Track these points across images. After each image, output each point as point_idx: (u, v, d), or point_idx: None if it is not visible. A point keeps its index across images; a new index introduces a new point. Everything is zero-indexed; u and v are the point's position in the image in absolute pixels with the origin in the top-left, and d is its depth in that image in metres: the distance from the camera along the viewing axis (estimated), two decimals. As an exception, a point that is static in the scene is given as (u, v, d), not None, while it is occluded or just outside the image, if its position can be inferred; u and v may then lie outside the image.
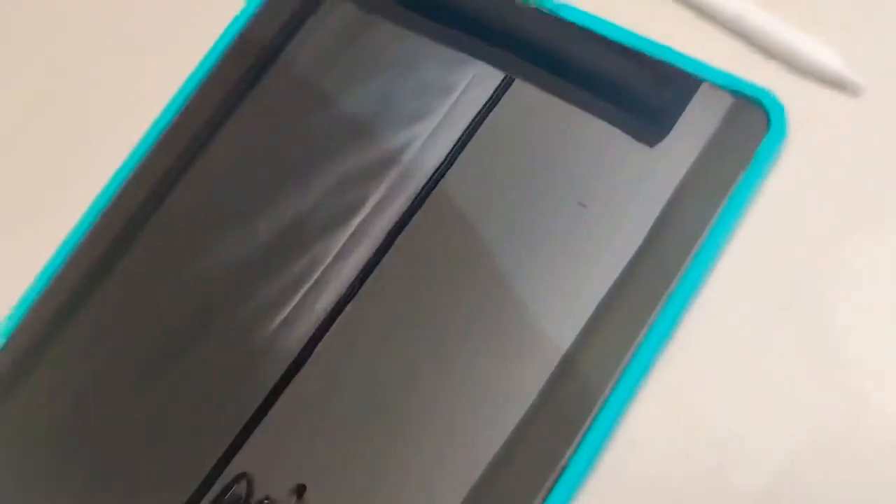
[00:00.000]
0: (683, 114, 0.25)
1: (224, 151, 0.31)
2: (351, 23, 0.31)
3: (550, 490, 0.23)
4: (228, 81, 0.31)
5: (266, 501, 0.26)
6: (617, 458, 0.23)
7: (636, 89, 0.26)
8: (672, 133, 0.25)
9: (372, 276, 0.27)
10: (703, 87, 0.25)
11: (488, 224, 0.26)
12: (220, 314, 0.29)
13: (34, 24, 0.35)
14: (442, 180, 0.27)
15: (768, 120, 0.24)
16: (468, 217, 0.27)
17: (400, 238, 0.27)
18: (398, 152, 0.28)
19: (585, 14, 0.27)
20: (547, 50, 0.28)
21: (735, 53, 0.25)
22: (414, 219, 0.27)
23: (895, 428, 0.22)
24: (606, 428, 0.23)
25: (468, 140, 0.28)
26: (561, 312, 0.24)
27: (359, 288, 0.27)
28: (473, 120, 0.28)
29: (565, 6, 0.27)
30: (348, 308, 0.27)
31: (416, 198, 0.27)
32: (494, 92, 0.28)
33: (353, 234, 0.28)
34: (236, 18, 0.31)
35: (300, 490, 0.26)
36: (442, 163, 0.28)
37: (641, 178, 0.25)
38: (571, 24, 0.27)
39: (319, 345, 0.27)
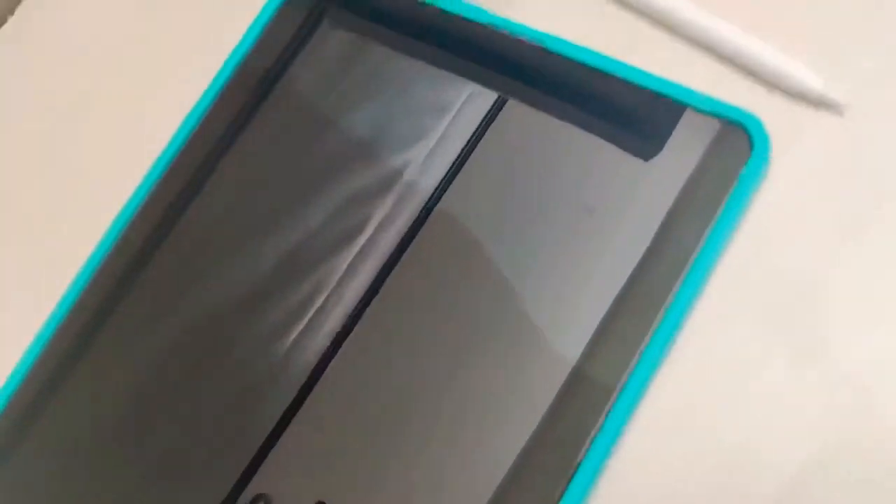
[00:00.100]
0: (676, 128, 0.25)
1: (227, 180, 0.31)
2: (345, 49, 0.31)
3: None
4: (230, 111, 0.32)
5: None
6: (620, 473, 0.23)
7: (626, 107, 0.26)
8: (666, 147, 0.25)
9: (379, 294, 0.28)
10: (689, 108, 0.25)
11: (490, 238, 0.27)
12: (231, 339, 0.29)
13: (33, 59, 0.36)
14: (443, 198, 0.28)
15: (751, 142, 0.24)
16: (470, 232, 0.27)
17: (405, 256, 0.28)
18: (398, 172, 0.29)
19: (566, 43, 0.27)
20: (536, 71, 0.28)
21: (717, 75, 0.26)
22: (418, 236, 0.28)
23: (892, 430, 0.22)
24: (609, 443, 0.23)
25: (466, 157, 0.28)
26: (566, 325, 0.25)
27: (367, 306, 0.28)
28: (471, 138, 0.28)
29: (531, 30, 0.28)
30: (358, 326, 0.27)
31: (418, 216, 0.28)
32: (489, 110, 0.28)
33: (358, 254, 0.28)
34: (235, 50, 0.31)
35: None
36: (442, 181, 0.28)
37: (639, 192, 0.25)
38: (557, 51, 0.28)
39: (330, 364, 0.27)
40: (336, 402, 0.27)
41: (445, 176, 0.28)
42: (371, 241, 0.28)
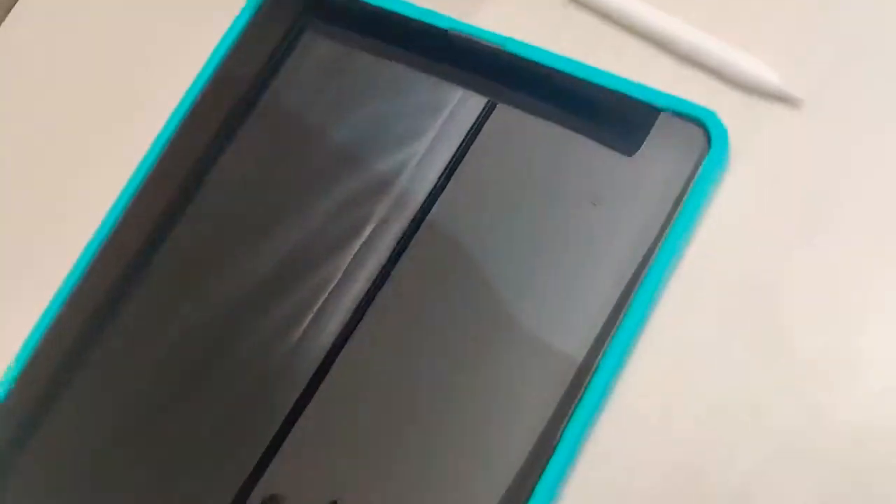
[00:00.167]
0: (653, 127, 0.26)
1: (219, 186, 0.32)
2: (332, 56, 0.32)
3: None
4: (214, 117, 0.32)
5: None
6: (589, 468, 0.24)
7: (604, 105, 0.27)
8: (644, 145, 0.26)
9: (380, 293, 0.28)
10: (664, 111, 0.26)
11: (487, 237, 0.27)
12: (236, 338, 0.29)
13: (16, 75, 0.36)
14: (437, 201, 0.28)
15: (709, 137, 0.25)
16: (467, 232, 0.28)
17: (403, 257, 0.28)
18: (392, 177, 0.29)
19: (529, 46, 0.28)
20: (517, 76, 0.29)
21: (677, 74, 0.26)
22: (414, 239, 0.28)
23: (849, 425, 0.23)
24: (580, 432, 0.24)
25: (460, 159, 0.28)
26: (564, 322, 0.25)
27: (369, 306, 0.28)
28: (463, 140, 0.29)
29: (506, 38, 0.28)
30: (361, 324, 0.28)
31: (414, 218, 0.28)
32: (480, 114, 0.29)
33: (356, 256, 0.29)
34: (214, 53, 0.32)
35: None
36: (435, 184, 0.28)
37: (617, 189, 0.26)
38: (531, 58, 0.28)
39: (335, 362, 0.28)
40: (343, 400, 0.28)
41: (439, 179, 0.28)
42: (367, 244, 0.29)
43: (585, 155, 0.27)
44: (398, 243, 0.28)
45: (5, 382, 0.30)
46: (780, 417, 0.23)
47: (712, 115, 0.25)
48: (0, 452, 0.30)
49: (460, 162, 0.28)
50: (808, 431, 0.23)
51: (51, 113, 0.35)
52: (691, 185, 0.24)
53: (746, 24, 0.26)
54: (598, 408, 0.24)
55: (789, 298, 0.24)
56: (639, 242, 0.25)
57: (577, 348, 0.25)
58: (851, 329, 0.23)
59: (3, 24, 0.38)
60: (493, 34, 0.28)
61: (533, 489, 0.24)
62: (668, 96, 0.25)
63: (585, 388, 0.24)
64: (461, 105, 0.29)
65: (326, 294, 0.29)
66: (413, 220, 0.28)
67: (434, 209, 0.28)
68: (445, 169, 0.28)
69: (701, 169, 0.24)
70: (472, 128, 0.29)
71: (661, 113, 0.25)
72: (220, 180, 0.32)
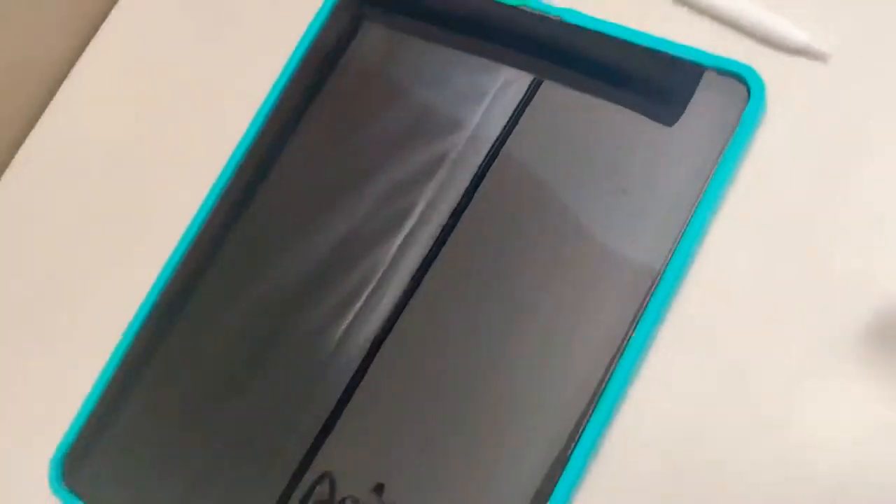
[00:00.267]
0: (696, 90, 0.28)
1: (286, 174, 0.34)
2: (385, 44, 0.34)
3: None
4: (285, 113, 0.35)
5: (349, 500, 0.28)
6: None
7: (647, 76, 0.29)
8: (694, 98, 0.28)
9: (428, 274, 0.30)
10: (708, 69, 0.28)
11: (533, 218, 0.29)
12: (292, 327, 0.31)
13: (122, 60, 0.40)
14: (484, 180, 0.30)
15: (748, 89, 0.28)
16: (514, 212, 0.30)
17: (452, 236, 0.30)
18: (441, 158, 0.31)
19: (578, 13, 0.31)
20: (563, 50, 0.31)
21: (717, 37, 0.30)
22: (463, 217, 0.30)
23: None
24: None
25: (505, 140, 0.30)
26: (615, 294, 0.27)
27: (417, 287, 0.30)
28: (508, 121, 0.31)
29: (555, 7, 0.31)
30: (410, 305, 0.30)
31: (462, 197, 0.30)
32: (525, 93, 0.31)
33: (407, 237, 0.30)
34: (292, 56, 0.35)
35: (379, 489, 0.28)
36: (483, 163, 0.30)
37: (668, 155, 0.28)
38: (579, 27, 0.31)
39: (383, 346, 0.29)
40: (391, 387, 0.29)
41: (486, 157, 0.30)
42: (418, 225, 0.31)
43: (633, 117, 0.29)
44: (447, 222, 0.30)
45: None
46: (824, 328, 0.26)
47: (749, 68, 0.28)
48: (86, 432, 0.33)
49: (507, 139, 0.30)
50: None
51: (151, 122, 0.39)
52: (734, 131, 0.28)
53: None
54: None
55: (824, 228, 0.27)
56: (692, 181, 0.27)
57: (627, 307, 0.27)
58: (884, 246, 0.26)
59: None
60: (549, 6, 0.31)
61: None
62: (708, 55, 0.29)
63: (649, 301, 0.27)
64: (508, 84, 0.31)
65: (376, 280, 0.30)
66: (462, 198, 0.30)
67: (482, 185, 0.30)
68: (493, 146, 0.30)
69: (742, 116, 0.28)
70: (518, 105, 0.31)
71: (706, 70, 0.28)
72: (287, 171, 0.34)
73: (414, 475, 0.28)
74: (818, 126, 0.28)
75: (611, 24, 0.30)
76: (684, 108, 0.29)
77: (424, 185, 0.31)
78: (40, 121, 0.41)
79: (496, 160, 0.30)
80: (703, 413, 0.26)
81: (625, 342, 0.27)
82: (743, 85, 0.28)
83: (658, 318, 0.27)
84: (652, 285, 0.27)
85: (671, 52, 0.29)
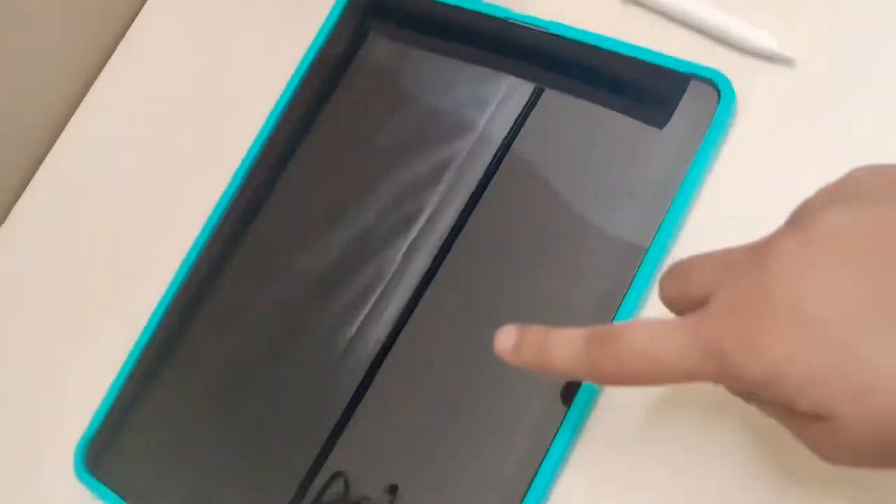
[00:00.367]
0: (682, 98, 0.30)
1: (295, 180, 0.35)
2: (390, 56, 0.36)
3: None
4: (294, 120, 0.36)
5: (363, 501, 0.29)
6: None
7: (638, 83, 0.31)
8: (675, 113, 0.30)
9: (436, 277, 0.31)
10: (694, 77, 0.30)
11: (538, 220, 0.30)
12: (304, 326, 0.32)
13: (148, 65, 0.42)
14: (489, 184, 0.31)
15: (719, 93, 0.30)
16: (519, 215, 0.31)
17: (459, 239, 0.31)
18: (447, 164, 0.32)
19: (563, 26, 0.33)
20: (559, 60, 0.32)
21: (691, 45, 0.32)
22: (470, 220, 0.31)
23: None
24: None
25: (509, 146, 0.32)
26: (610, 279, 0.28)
27: (426, 289, 0.31)
28: (511, 128, 0.32)
29: (541, 20, 0.33)
30: (419, 307, 0.31)
31: (468, 201, 0.31)
32: (527, 101, 0.32)
33: (414, 240, 0.32)
34: (297, 71, 0.37)
35: (392, 490, 0.29)
36: (488, 168, 0.32)
37: (657, 155, 0.30)
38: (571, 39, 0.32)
39: (393, 348, 0.30)
40: (401, 389, 0.30)
41: (491, 163, 0.32)
42: (426, 229, 0.32)
43: (621, 123, 0.31)
44: (454, 226, 0.31)
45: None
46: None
47: (718, 73, 0.30)
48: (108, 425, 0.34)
49: (510, 145, 0.32)
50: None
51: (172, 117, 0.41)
52: (704, 134, 0.30)
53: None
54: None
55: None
56: (665, 186, 0.29)
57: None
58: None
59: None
60: (541, 20, 0.33)
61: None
62: (681, 61, 0.31)
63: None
64: (511, 92, 0.32)
65: (384, 283, 0.31)
66: (468, 201, 0.31)
67: (488, 189, 0.31)
68: (498, 150, 0.32)
69: (713, 117, 0.30)
70: (521, 112, 0.32)
71: (693, 78, 0.30)
72: (296, 176, 0.35)
73: (427, 476, 0.29)
74: (785, 125, 0.30)
75: (596, 35, 0.32)
76: (672, 112, 0.30)
77: (431, 191, 0.32)
78: (61, 135, 0.43)
79: (501, 165, 0.32)
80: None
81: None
82: (714, 89, 0.30)
83: (641, 294, 0.29)
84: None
85: (646, 59, 0.31)
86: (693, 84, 0.30)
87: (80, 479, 0.34)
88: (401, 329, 0.31)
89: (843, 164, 0.22)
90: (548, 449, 0.28)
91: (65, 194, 0.42)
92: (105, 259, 0.39)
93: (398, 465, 0.29)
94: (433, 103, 0.34)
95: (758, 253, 0.21)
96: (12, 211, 0.42)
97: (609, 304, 0.29)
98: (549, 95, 0.32)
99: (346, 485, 0.30)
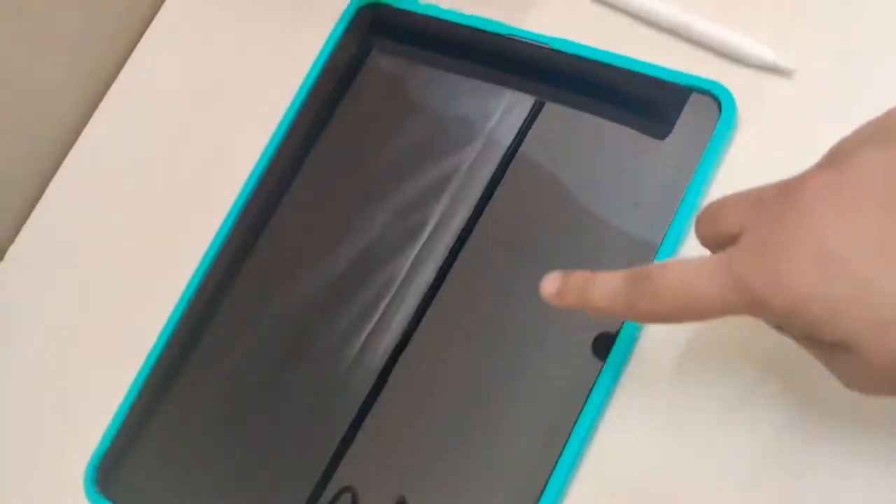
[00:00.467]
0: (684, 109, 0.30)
1: (302, 194, 0.35)
2: (394, 70, 0.36)
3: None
4: (300, 135, 0.36)
5: None
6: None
7: (639, 97, 0.32)
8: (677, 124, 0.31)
9: (442, 289, 0.31)
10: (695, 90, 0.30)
11: (543, 230, 0.31)
12: (310, 340, 0.32)
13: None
14: (495, 194, 0.32)
15: (720, 104, 0.30)
16: (524, 224, 0.31)
17: (465, 250, 0.31)
18: (451, 175, 0.33)
19: (566, 41, 0.33)
20: (561, 75, 0.33)
21: (691, 58, 0.32)
22: (475, 230, 0.31)
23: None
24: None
25: (513, 156, 0.32)
26: None
27: (431, 302, 0.31)
28: (514, 140, 0.32)
29: (544, 36, 0.34)
30: (425, 319, 0.31)
31: (472, 214, 0.32)
32: (528, 114, 0.33)
33: (419, 253, 0.32)
34: (302, 86, 0.38)
35: (401, 502, 0.29)
36: (493, 179, 0.32)
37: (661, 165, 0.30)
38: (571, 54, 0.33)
39: (399, 361, 0.31)
40: (410, 398, 0.30)
41: (494, 175, 0.32)
42: (431, 239, 0.32)
43: (625, 134, 0.31)
44: (457, 240, 0.31)
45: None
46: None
47: (719, 85, 0.30)
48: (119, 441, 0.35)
49: (516, 154, 0.32)
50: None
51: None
52: (706, 144, 0.30)
53: (747, 11, 0.32)
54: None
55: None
56: (670, 195, 0.30)
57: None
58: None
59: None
60: (543, 35, 0.34)
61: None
62: (683, 74, 0.31)
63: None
64: (514, 104, 0.33)
65: (390, 297, 0.32)
66: (472, 213, 0.32)
67: (492, 201, 0.32)
68: (503, 161, 0.32)
69: (715, 128, 0.30)
70: (524, 123, 0.32)
71: (693, 91, 0.31)
72: (303, 190, 0.35)
73: (436, 489, 0.29)
74: (786, 135, 0.30)
75: (596, 49, 0.33)
76: (674, 124, 0.31)
77: (437, 202, 0.33)
78: (76, 143, 0.44)
79: (505, 176, 0.32)
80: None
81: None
82: (715, 101, 0.30)
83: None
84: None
85: (647, 72, 0.32)
86: (694, 96, 0.31)
87: (90, 498, 0.34)
88: (408, 341, 0.31)
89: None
90: (556, 462, 0.28)
91: (73, 215, 0.42)
92: (113, 277, 0.39)
93: (406, 478, 0.29)
94: (437, 116, 0.35)
95: (788, 190, 0.22)
96: (22, 228, 0.43)
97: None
98: (552, 108, 0.33)
99: (355, 499, 0.30)
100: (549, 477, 0.28)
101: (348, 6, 0.38)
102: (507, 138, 0.33)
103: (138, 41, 0.44)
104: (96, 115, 0.43)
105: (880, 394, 0.21)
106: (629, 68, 0.32)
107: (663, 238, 0.29)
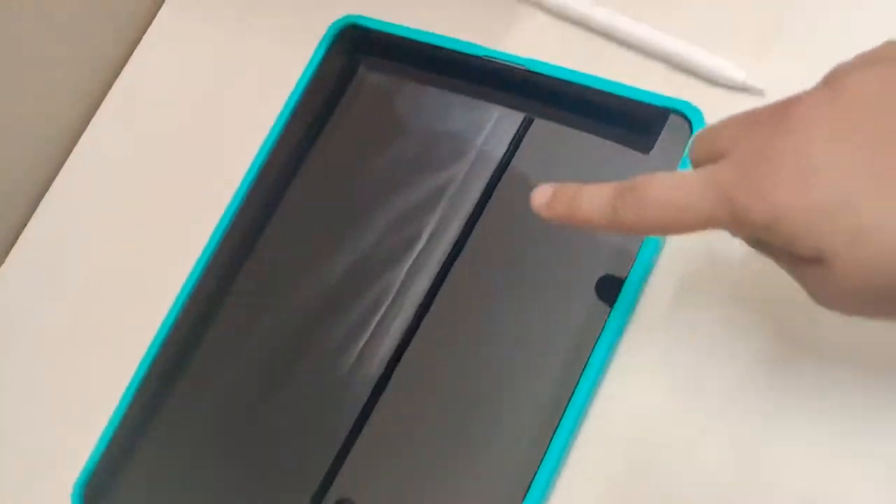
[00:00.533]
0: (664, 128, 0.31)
1: (294, 206, 0.36)
2: (380, 86, 0.37)
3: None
4: (290, 148, 0.37)
5: None
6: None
7: (626, 112, 0.32)
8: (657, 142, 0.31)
9: (436, 299, 0.31)
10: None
11: (533, 241, 0.31)
12: (306, 351, 0.33)
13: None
14: (486, 207, 0.32)
15: (690, 123, 0.31)
16: (514, 236, 0.32)
17: (458, 261, 0.32)
18: (442, 190, 0.33)
19: (542, 63, 0.34)
20: (544, 95, 0.33)
21: (663, 77, 0.33)
22: (468, 242, 0.32)
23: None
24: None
25: (504, 171, 0.33)
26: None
27: (426, 312, 0.31)
28: (504, 154, 0.33)
29: (520, 57, 0.34)
30: (420, 330, 0.31)
31: (464, 226, 0.32)
32: (518, 129, 0.33)
33: (413, 265, 0.32)
34: (290, 96, 0.38)
35: None
36: (484, 192, 0.32)
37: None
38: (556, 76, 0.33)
39: (396, 371, 0.31)
40: (407, 409, 0.30)
41: (486, 187, 0.33)
42: (425, 250, 0.32)
43: (607, 153, 0.32)
44: (451, 251, 0.32)
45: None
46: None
47: (688, 104, 0.31)
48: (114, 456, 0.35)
49: (506, 168, 0.33)
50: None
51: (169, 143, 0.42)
52: (680, 161, 0.31)
53: (722, 30, 0.33)
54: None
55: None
56: None
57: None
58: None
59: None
60: (519, 57, 0.34)
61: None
62: (653, 94, 0.32)
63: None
64: (503, 120, 0.33)
65: (385, 307, 0.32)
66: (465, 226, 0.32)
67: (484, 214, 0.32)
68: (493, 175, 0.33)
69: (687, 147, 0.30)
70: (514, 139, 0.33)
71: (672, 114, 0.31)
72: (295, 203, 0.36)
73: (433, 499, 0.29)
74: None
75: (574, 71, 0.33)
76: (656, 139, 0.31)
77: (430, 214, 0.33)
78: (74, 150, 0.44)
79: (496, 190, 0.33)
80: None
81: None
82: (686, 120, 0.31)
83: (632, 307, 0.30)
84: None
85: (622, 94, 0.32)
86: (672, 116, 0.31)
87: (78, 517, 0.35)
88: (403, 352, 0.31)
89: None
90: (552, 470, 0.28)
91: (64, 227, 0.42)
92: (102, 290, 0.39)
93: (404, 488, 0.30)
94: (426, 132, 0.35)
95: (780, 109, 0.22)
96: (17, 243, 0.43)
97: (601, 315, 0.29)
98: (540, 124, 0.33)
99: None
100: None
101: (332, 24, 0.38)
102: (497, 153, 0.33)
103: (138, 40, 0.45)
104: (97, 116, 0.44)
105: (852, 311, 0.22)
106: (603, 89, 0.33)
107: (640, 246, 0.30)
